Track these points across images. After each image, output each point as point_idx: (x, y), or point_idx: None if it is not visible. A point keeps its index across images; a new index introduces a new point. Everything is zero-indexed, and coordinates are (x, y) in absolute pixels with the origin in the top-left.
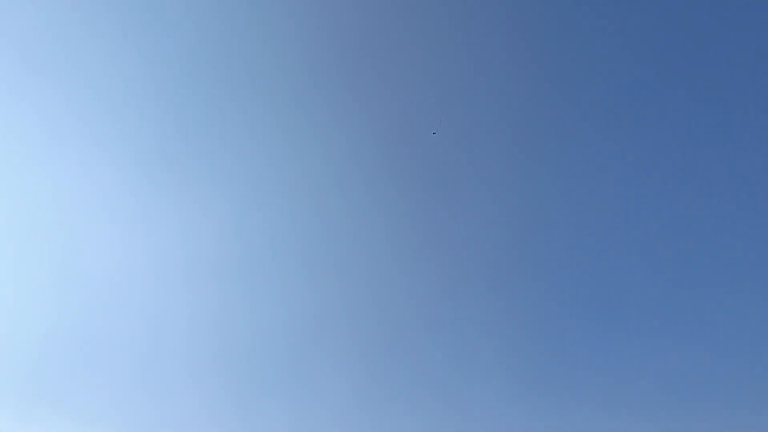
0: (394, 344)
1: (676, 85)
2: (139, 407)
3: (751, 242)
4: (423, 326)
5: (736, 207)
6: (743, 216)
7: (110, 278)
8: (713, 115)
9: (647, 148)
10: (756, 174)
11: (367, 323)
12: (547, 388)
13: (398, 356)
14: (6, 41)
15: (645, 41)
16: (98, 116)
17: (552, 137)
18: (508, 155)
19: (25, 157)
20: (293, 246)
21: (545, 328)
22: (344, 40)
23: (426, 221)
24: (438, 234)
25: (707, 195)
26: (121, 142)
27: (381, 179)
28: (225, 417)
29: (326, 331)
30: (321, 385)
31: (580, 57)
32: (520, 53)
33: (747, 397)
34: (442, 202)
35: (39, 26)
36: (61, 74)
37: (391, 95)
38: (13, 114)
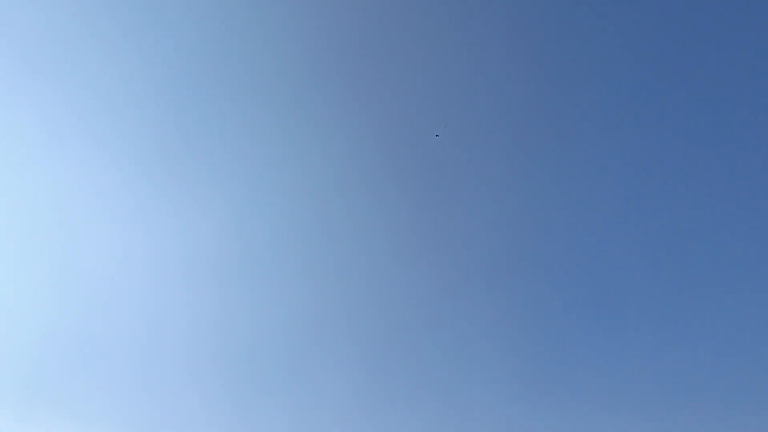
0: (394, 344)
1: (676, 85)
2: (139, 407)
3: (751, 242)
4: (423, 326)
5: (736, 207)
6: (743, 216)
7: (110, 278)
8: (713, 115)
9: (647, 148)
10: (756, 174)
11: (367, 323)
12: (547, 388)
13: (398, 356)
14: (6, 41)
15: (645, 41)
16: (98, 116)
17: (552, 137)
18: (508, 155)
19: (25, 157)
20: (293, 246)
21: (545, 328)
22: (344, 40)
23: (426, 221)
24: (438, 234)
25: (707, 195)
26: (120, 142)
27: (381, 179)
28: (225, 417)
29: (326, 331)
30: (321, 385)
31: (580, 57)
32: (520, 53)
33: (747, 397)
34: (442, 202)
35: (39, 26)
36: (61, 74)
37: (391, 95)
38: (13, 114)
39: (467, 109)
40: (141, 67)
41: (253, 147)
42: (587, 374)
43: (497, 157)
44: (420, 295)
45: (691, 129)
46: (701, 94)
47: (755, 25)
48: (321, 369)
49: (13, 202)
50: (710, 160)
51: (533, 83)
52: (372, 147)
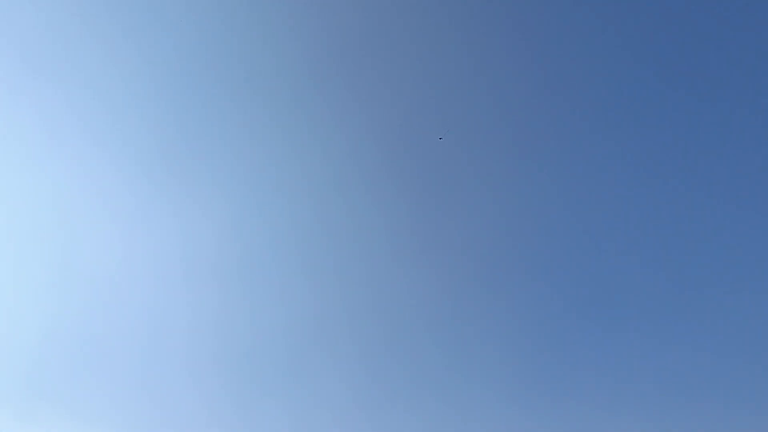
0: (394, 344)
1: (676, 85)
2: (139, 407)
3: (751, 242)
4: (423, 326)
5: (736, 207)
6: (743, 216)
7: (110, 278)
8: (713, 115)
9: (647, 148)
10: (756, 174)
11: (367, 323)
12: (547, 388)
13: (398, 356)
14: (6, 41)
15: (645, 41)
16: (98, 116)
17: (552, 137)
18: (508, 155)
19: (25, 157)
20: (293, 246)
21: (545, 328)
22: (344, 40)
23: (426, 221)
24: (438, 234)
25: (707, 195)
26: (120, 142)
27: (381, 179)
28: (225, 417)
29: (326, 331)
30: (321, 385)
31: (580, 57)
32: (520, 53)
33: (747, 397)
34: (442, 202)
35: (39, 26)
36: (61, 74)
37: (391, 95)
38: (13, 114)
39: (467, 109)
40: (141, 67)
41: (253, 147)
42: (587, 374)
43: (497, 158)
44: (420, 295)
45: (691, 129)
46: (701, 94)
47: (755, 25)
48: (321, 369)
49: (13, 202)
50: (710, 160)
51: (533, 84)
52: (372, 147)
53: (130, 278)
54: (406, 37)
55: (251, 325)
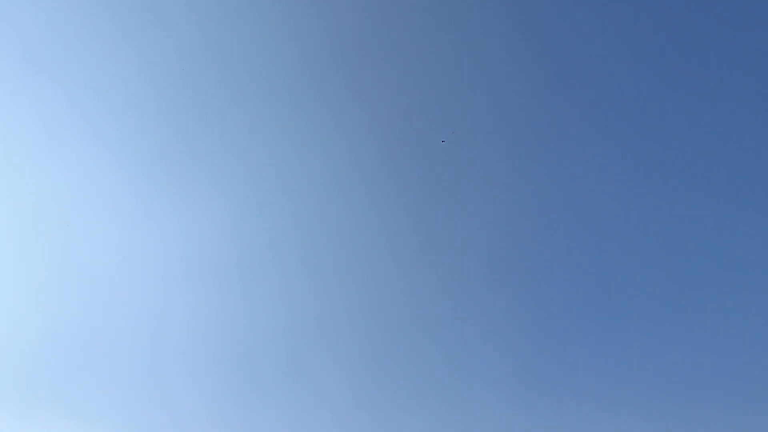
0: (394, 344)
1: (676, 85)
2: (139, 407)
3: (752, 242)
4: (423, 326)
5: (736, 207)
6: (743, 216)
7: (110, 278)
8: (713, 115)
9: (647, 148)
10: (756, 174)
11: (367, 323)
12: (548, 388)
13: (398, 356)
14: (6, 41)
15: (645, 41)
16: (98, 116)
17: (552, 137)
18: (508, 155)
19: (25, 157)
20: (293, 246)
21: (546, 328)
22: (344, 40)
23: (426, 221)
24: (438, 234)
25: (707, 195)
26: (120, 142)
27: (381, 179)
28: (225, 417)
29: (326, 331)
30: (321, 385)
31: (580, 57)
32: (520, 53)
33: (747, 397)
34: (442, 202)
35: (39, 26)
36: (60, 74)
37: (392, 95)
38: (12, 114)
39: (467, 109)
40: (141, 67)
41: (253, 147)
42: (587, 375)
43: (498, 158)
44: (420, 295)
45: (691, 129)
46: (701, 94)
47: (755, 25)
48: (321, 369)
49: (13, 202)
50: (710, 160)
51: (534, 83)
52: (372, 147)
53: (130, 278)
54: (406, 37)
55: (251, 325)
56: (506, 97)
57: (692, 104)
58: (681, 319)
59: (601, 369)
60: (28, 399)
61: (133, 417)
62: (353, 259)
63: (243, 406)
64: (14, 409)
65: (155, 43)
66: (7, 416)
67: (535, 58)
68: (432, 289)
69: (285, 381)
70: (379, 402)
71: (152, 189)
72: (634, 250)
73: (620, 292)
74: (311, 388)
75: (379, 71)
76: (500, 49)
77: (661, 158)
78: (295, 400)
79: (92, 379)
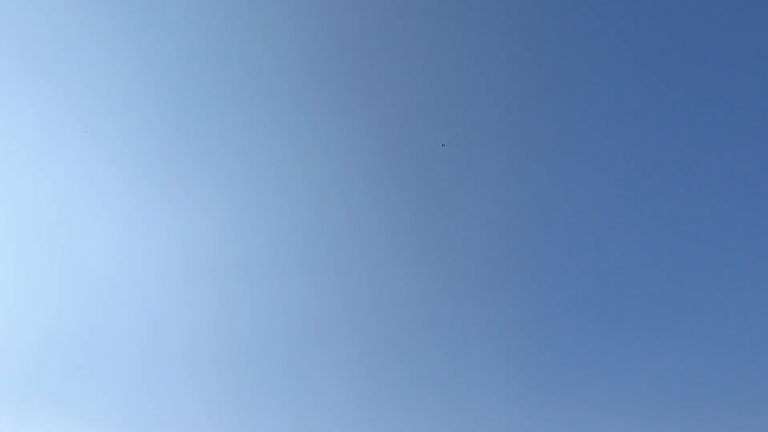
0: (394, 344)
1: (676, 85)
2: (139, 407)
3: (752, 242)
4: (423, 326)
5: (736, 207)
6: (743, 216)
7: (110, 278)
8: (713, 115)
9: (647, 148)
10: (756, 174)
11: (367, 323)
12: (548, 388)
13: (398, 356)
14: (6, 41)
15: (645, 41)
16: (98, 116)
17: (552, 137)
18: (508, 155)
19: (25, 157)
20: (293, 246)
21: (546, 328)
22: (344, 40)
23: (426, 221)
24: (438, 234)
25: (707, 195)
26: (120, 142)
27: (381, 179)
28: (225, 417)
29: (326, 331)
30: (321, 385)
31: (580, 57)
32: (520, 53)
33: (748, 398)
34: (442, 202)
35: (39, 26)
36: (61, 74)
37: (392, 95)
38: (12, 114)
39: (467, 109)
40: (141, 67)
41: (253, 147)
42: (587, 374)
43: (498, 158)
44: (420, 295)
45: (691, 129)
46: (701, 94)
47: (755, 25)
48: (321, 369)
49: (13, 202)
50: (710, 160)
51: (534, 84)
52: (372, 147)
53: (130, 278)
54: (407, 37)
55: (251, 325)
56: (506, 98)
57: (692, 104)
58: (680, 319)
59: (601, 369)
60: (28, 399)
61: (133, 417)
62: (353, 259)
63: (243, 405)
64: (14, 409)
65: (155, 43)
66: (7, 416)
67: (536, 59)
68: (432, 289)
69: (285, 381)
70: (379, 401)
71: (152, 189)
72: (634, 251)
73: (620, 293)
74: (311, 388)
75: (379, 71)
76: (500, 50)
77: (661, 158)
78: (295, 400)
79: (92, 379)
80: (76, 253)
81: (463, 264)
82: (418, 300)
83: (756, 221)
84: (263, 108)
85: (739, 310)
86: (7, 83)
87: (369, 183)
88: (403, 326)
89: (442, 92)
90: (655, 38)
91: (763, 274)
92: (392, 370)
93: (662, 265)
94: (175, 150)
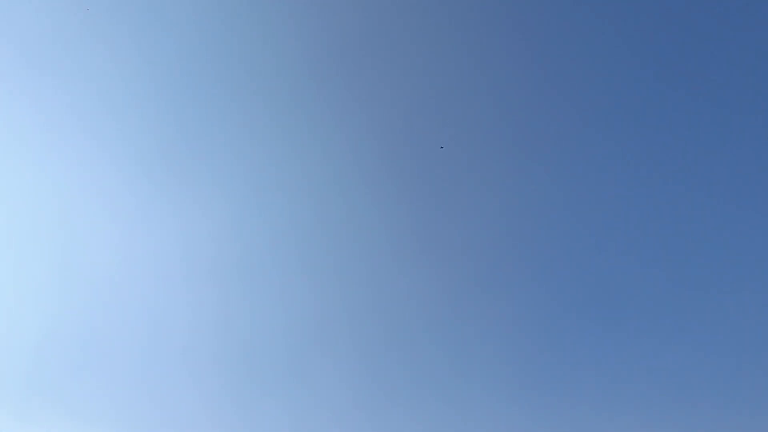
0: (394, 344)
1: (676, 85)
2: (139, 407)
3: (752, 242)
4: (423, 326)
5: (736, 207)
6: (743, 216)
7: (110, 278)
8: (713, 115)
9: (647, 148)
10: (756, 174)
11: (367, 323)
12: (549, 389)
13: (398, 356)
14: (6, 39)
15: (645, 41)
16: (98, 115)
17: (552, 137)
18: (508, 155)
19: (24, 156)
20: (293, 246)
21: (546, 329)
22: (344, 40)
23: (426, 221)
24: (438, 234)
25: (707, 195)
26: (120, 141)
27: (381, 179)
28: (225, 417)
29: (326, 331)
30: (321, 385)
31: (580, 57)
32: (520, 53)
33: (748, 398)
34: (442, 202)
35: (39, 25)
36: (61, 73)
37: (392, 95)
38: (12, 113)
39: (468, 109)
40: (140, 66)
41: (253, 147)
42: (588, 375)
43: (498, 158)
44: (421, 295)
45: (691, 129)
46: (701, 94)
47: (755, 25)
48: (321, 369)
49: (12, 201)
50: (710, 160)
51: (535, 83)
52: (373, 147)
53: (130, 278)
54: (407, 37)
55: (251, 325)
56: (507, 97)
57: (693, 104)
58: (682, 319)
59: (602, 369)
60: (28, 399)
61: (133, 417)
62: (353, 259)
63: (243, 406)
64: (14, 409)
65: (155, 42)
66: (7, 416)
67: (536, 58)
68: (432, 289)
69: (285, 381)
70: (379, 402)
71: (152, 188)
72: (635, 251)
73: (621, 293)
74: (311, 388)
75: (380, 71)
76: (501, 50)
77: (662, 158)
78: (295, 400)
79: (92, 379)
80: (75, 252)
81: (463, 264)
82: (418, 300)
83: (756, 221)
84: (263, 108)
85: (739, 310)
86: (6, 82)
87: (369, 183)
88: (403, 326)
89: (442, 92)
90: (656, 38)
91: (763, 274)
92: (392, 370)
93: (663, 265)
94: (175, 149)
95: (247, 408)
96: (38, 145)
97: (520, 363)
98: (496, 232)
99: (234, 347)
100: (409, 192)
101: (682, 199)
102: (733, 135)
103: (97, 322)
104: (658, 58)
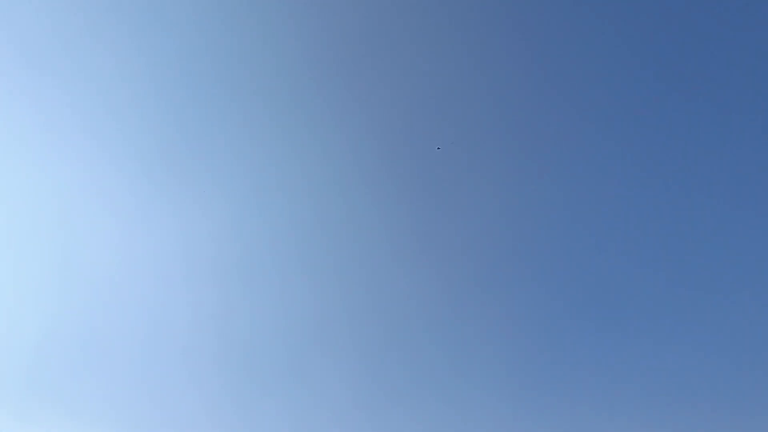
0: (394, 344)
1: (676, 86)
2: (138, 407)
3: (752, 243)
4: (423, 326)
5: (737, 207)
6: (743, 216)
7: (109, 277)
8: (713, 115)
9: (647, 149)
10: (756, 174)
11: (367, 323)
12: (549, 389)
13: (398, 356)
14: (6, 38)
15: (645, 41)
16: (98, 115)
17: (552, 137)
18: (508, 155)
19: (25, 156)
20: (293, 246)
21: (546, 329)
22: (344, 40)
23: (426, 221)
24: (438, 234)
25: (707, 195)
26: (120, 141)
27: (381, 179)
28: (225, 417)
29: (326, 331)
30: (321, 385)
31: (580, 57)
32: (520, 53)
33: (748, 398)
34: (442, 202)
35: (39, 24)
36: (61, 72)
37: (392, 95)
38: (12, 112)
39: (468, 109)
40: (141, 66)
41: (253, 147)
42: (588, 376)
43: (498, 158)
44: (421, 295)
45: (691, 129)
46: (701, 94)
47: (755, 25)
48: (321, 369)
49: (12, 200)
50: (710, 160)
51: (535, 84)
52: (372, 147)
53: (130, 277)
54: (407, 37)
55: (251, 324)
56: (507, 98)
57: (693, 105)
58: (682, 320)
59: (602, 370)
60: (28, 399)
61: (133, 417)
62: (353, 259)
63: (243, 405)
64: (14, 409)
65: (155, 41)
66: (7, 416)
67: (536, 59)
68: (432, 289)
69: (285, 381)
70: (379, 402)
71: (152, 188)
72: (635, 251)
73: (621, 294)
74: (311, 388)
75: (380, 71)
76: (501, 50)
77: (662, 159)
78: (295, 400)
79: (92, 379)
80: (75, 251)
81: (463, 264)
82: (418, 300)
83: (756, 221)
84: (263, 108)
85: (739, 311)
86: (7, 81)
87: (369, 183)
88: (403, 326)
89: (443, 92)
90: (656, 38)
91: (763, 274)
92: (392, 370)
93: (663, 266)
94: (175, 149)
95: (247, 408)
96: (38, 145)
97: (520, 363)
98: (495, 232)
99: (234, 347)
100: (408, 192)
101: (682, 199)
102: (733, 136)
103: (97, 322)
104: (658, 58)
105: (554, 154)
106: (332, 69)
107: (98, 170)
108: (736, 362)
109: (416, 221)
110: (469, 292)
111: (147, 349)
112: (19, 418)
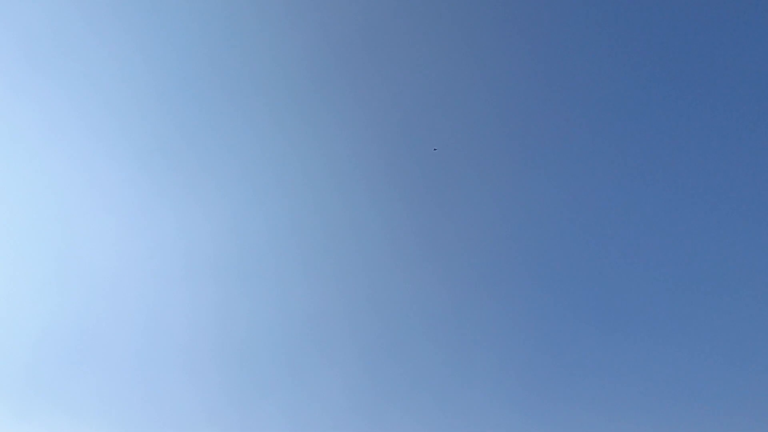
0: (393, 345)
1: (676, 86)
2: (138, 406)
3: (752, 243)
4: (423, 327)
5: (737, 208)
6: (744, 217)
7: (109, 276)
8: (713, 115)
9: (648, 150)
10: (756, 174)
11: (366, 323)
12: (547, 391)
13: (398, 357)
14: (6, 39)
15: (645, 41)
16: (98, 113)
17: (553, 138)
18: (509, 156)
19: (24, 153)
20: (293, 246)
21: (546, 331)
22: (344, 39)
23: (426, 222)
24: (438, 235)
25: (707, 196)
26: (120, 140)
27: (381, 179)
28: (225, 417)
29: (326, 331)
30: (320, 386)
31: (580, 57)
32: (521, 54)
33: (748, 399)
34: (442, 203)
35: (39, 22)
36: (61, 71)
37: (392, 95)
38: (12, 110)
39: (468, 109)
40: (141, 65)
41: (253, 146)
42: (587, 378)
43: (498, 159)
44: (420, 296)
45: (691, 130)
46: (701, 94)
47: (755, 25)
48: (320, 369)
49: (12, 198)
50: (710, 160)
51: (535, 85)
52: (372, 147)
53: (129, 276)
54: (407, 37)
55: (251, 324)
56: (507, 98)
57: (692, 105)
58: (681, 321)
59: (601, 372)
60: (28, 398)
61: (133, 416)
62: (353, 259)
63: (242, 405)
64: (14, 408)
65: (156, 41)
66: (6, 415)
67: (537, 59)
68: (432, 289)
69: (284, 381)
70: (378, 402)
71: (152, 187)
72: (635, 253)
73: (621, 295)
74: (310, 388)
75: (380, 72)
76: (501, 50)
77: (662, 160)
78: (294, 400)
79: (91, 378)
80: (74, 250)
81: (463, 265)
82: (418, 301)
83: (756, 222)
84: (263, 108)
85: (739, 312)
86: (7, 79)
87: (369, 183)
88: (402, 327)
89: (444, 93)
90: (656, 38)
91: (762, 275)
92: (391, 371)
93: (664, 268)
94: (176, 149)
95: (246, 407)
96: (38, 144)
97: (520, 365)
98: (497, 233)
99: (233, 346)
100: (409, 193)
101: (684, 201)
102: (733, 138)
103: (96, 321)
104: (659, 58)
105: (556, 158)
106: (332, 70)
107: (99, 169)
108: (736, 363)
109: (416, 222)
110: (469, 293)
111: (145, 347)
112: (18, 416)
